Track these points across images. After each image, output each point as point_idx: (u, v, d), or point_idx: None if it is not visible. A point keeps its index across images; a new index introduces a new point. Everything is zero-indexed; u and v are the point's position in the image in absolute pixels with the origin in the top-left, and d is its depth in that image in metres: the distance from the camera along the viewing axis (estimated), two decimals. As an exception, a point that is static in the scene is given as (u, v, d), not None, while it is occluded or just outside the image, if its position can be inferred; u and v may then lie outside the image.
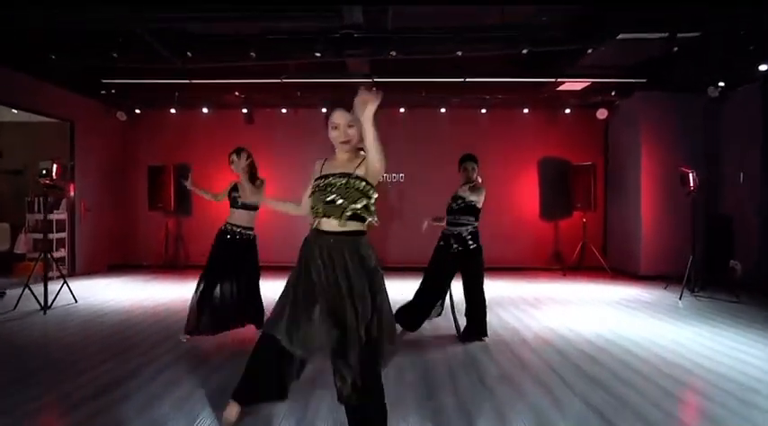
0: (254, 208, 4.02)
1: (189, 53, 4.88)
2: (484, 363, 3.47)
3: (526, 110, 8.24)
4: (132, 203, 8.62)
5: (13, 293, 5.57)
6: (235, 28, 4.80)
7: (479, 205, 4.03)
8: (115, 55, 4.95)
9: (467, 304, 4.05)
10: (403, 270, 6.62)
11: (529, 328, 4.50)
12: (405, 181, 8.51)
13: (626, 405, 2.73)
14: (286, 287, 2.30)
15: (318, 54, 4.84)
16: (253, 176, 3.97)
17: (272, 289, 3.45)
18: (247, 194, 3.36)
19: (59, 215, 7.36)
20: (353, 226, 2.19)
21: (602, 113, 7.99)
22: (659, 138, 7.37)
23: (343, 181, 2.16)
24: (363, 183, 2.16)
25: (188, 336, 3.91)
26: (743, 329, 4.37)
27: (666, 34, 4.63)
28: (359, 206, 2.16)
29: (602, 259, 8.01)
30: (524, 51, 4.80)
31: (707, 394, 2.91)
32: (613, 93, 7.60)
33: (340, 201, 2.15)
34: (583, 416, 2.59)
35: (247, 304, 3.95)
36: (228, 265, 3.90)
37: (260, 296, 4.04)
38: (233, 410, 2.38)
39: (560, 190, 8.38)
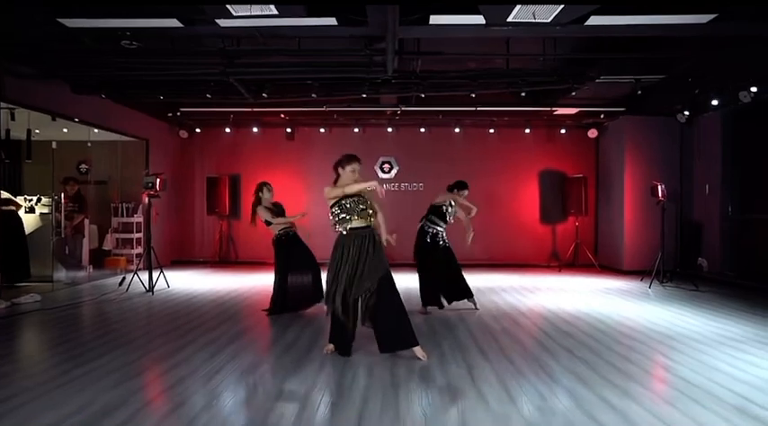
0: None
1: (265, 94, 6.35)
2: (491, 322, 4.85)
3: (528, 130, 9.63)
4: (191, 208, 10.12)
5: (110, 281, 7.03)
6: (301, 76, 6.26)
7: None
8: (209, 95, 6.45)
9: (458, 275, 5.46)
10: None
11: (525, 305, 5.88)
12: (424, 189, 9.93)
13: (599, 356, 4.10)
14: (332, 268, 3.71)
15: (364, 95, 6.30)
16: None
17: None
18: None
19: (137, 218, 8.86)
20: (369, 222, 3.75)
21: (592, 133, 9.37)
22: (640, 155, 8.74)
23: (364, 199, 3.72)
24: (367, 202, 3.76)
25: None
26: (694, 308, 5.71)
27: (633, 79, 6.01)
28: (370, 212, 3.75)
29: (593, 257, 9.36)
30: (523, 94, 6.22)
31: (663, 351, 4.27)
32: (602, 116, 8.98)
33: (367, 210, 3.71)
34: (566, 359, 3.96)
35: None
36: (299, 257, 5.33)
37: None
38: (330, 346, 3.83)
39: (557, 198, 9.76)
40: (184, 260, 9.95)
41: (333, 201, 3.70)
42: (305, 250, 5.35)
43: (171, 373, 3.45)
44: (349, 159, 3.75)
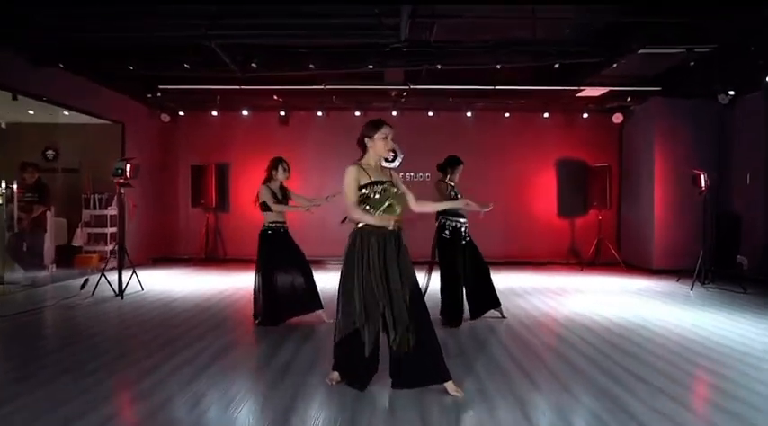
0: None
1: (254, 65, 5.41)
2: (528, 336, 4.01)
3: (546, 115, 8.76)
4: (174, 200, 9.16)
5: (76, 282, 6.10)
6: (296, 41, 5.33)
7: None
8: (187, 66, 5.49)
9: (486, 281, 4.57)
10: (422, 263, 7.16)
11: (559, 311, 5.04)
12: (431, 180, 9.04)
13: (653, 369, 3.27)
14: (349, 282, 2.82)
15: (371, 66, 5.38)
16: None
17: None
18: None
19: (111, 211, 7.90)
20: (399, 221, 2.88)
21: (617, 118, 8.52)
22: (672, 142, 7.90)
23: (394, 190, 2.86)
24: (398, 190, 2.89)
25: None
26: (748, 314, 4.90)
27: (684, 49, 5.14)
28: (401, 205, 2.89)
29: (617, 254, 8.54)
30: (556, 66, 5.33)
31: (718, 366, 3.44)
32: (629, 99, 8.12)
33: (395, 204, 2.84)
34: (641, 391, 3.12)
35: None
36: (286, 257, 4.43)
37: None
38: (334, 375, 2.95)
39: (577, 189, 8.92)
40: (167, 257, 9.01)
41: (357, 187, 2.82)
42: (294, 249, 4.47)
43: (138, 404, 2.66)
44: (376, 125, 2.85)
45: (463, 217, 4.51)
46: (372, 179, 2.81)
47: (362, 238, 2.80)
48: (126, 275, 5.87)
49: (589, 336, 4.10)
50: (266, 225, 4.44)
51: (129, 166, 5.61)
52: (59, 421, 2.42)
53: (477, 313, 4.55)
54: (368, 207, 2.81)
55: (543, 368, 3.31)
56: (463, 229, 4.49)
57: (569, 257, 9.01)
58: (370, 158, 2.89)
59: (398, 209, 2.86)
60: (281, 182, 4.51)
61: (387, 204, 2.80)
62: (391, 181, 2.88)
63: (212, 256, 8.92)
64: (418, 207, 3.03)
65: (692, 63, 5.44)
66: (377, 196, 2.79)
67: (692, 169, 6.88)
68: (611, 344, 3.87)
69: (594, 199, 8.58)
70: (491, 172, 8.74)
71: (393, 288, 2.75)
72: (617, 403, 2.69)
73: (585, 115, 8.75)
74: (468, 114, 8.68)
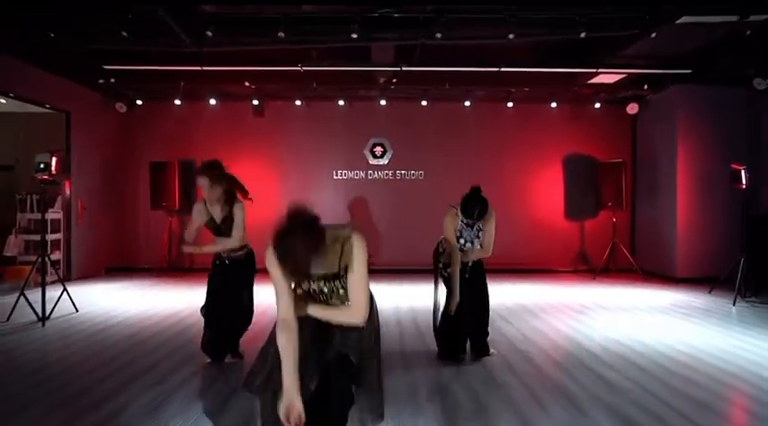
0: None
1: (208, 33, 4.34)
2: (562, 377, 3.03)
3: (554, 105, 7.85)
4: (132, 202, 8.03)
5: (5, 301, 4.99)
6: (258, 6, 4.29)
7: None
8: (125, 34, 4.38)
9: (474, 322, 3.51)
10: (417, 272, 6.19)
11: (586, 336, 4.08)
12: (424, 179, 8.06)
13: (704, 410, 2.32)
14: None
15: (355, 35, 4.35)
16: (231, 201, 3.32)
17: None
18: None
19: (54, 214, 6.76)
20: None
21: (632, 108, 7.63)
22: (697, 133, 7.01)
23: (329, 288, 1.81)
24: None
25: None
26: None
27: (736, 17, 4.23)
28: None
29: (633, 260, 7.64)
30: (582, 35, 4.37)
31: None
32: (645, 87, 7.24)
33: (337, 302, 1.83)
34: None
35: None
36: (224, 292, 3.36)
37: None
38: None
39: (587, 188, 8.01)
40: (124, 267, 7.87)
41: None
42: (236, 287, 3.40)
43: None
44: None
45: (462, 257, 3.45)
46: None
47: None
48: (56, 293, 4.78)
49: (641, 377, 3.12)
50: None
51: (54, 159, 4.51)
52: None
53: (478, 352, 3.54)
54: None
55: (582, 417, 2.34)
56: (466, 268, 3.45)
57: (578, 264, 8.10)
58: None
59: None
60: (216, 200, 3.28)
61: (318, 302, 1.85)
62: (334, 274, 1.78)
63: (176, 266, 7.81)
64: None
65: (749, 32, 4.51)
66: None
67: (720, 164, 6.00)
68: (672, 389, 2.91)
69: (607, 200, 7.67)
70: (491, 168, 7.79)
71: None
72: None
73: (597, 105, 7.85)
74: (467, 104, 7.71)
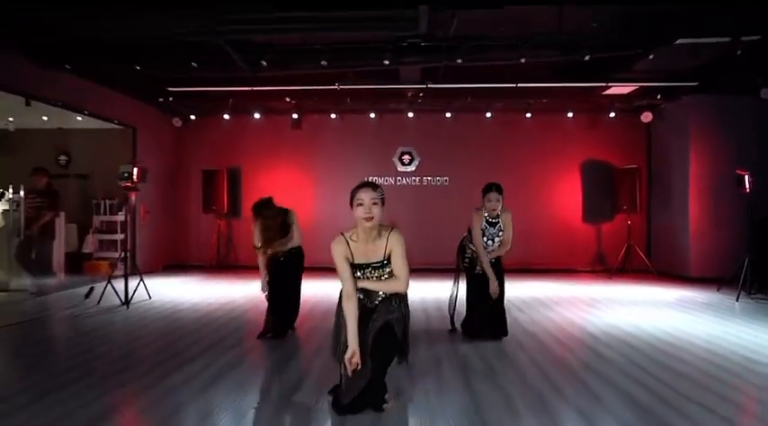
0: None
1: (263, 62, 5.16)
2: (563, 352, 3.61)
3: (570, 114, 8.35)
4: (186, 206, 8.98)
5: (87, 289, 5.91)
6: (306, 38, 5.06)
7: None
8: (195, 64, 5.27)
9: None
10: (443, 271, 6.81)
11: (594, 325, 4.62)
12: (449, 184, 8.70)
13: (714, 393, 2.85)
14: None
15: (387, 62, 5.07)
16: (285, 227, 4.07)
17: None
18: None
19: (122, 217, 7.73)
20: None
21: (646, 117, 8.05)
22: (708, 141, 7.40)
23: (379, 272, 2.56)
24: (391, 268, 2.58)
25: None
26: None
27: (728, 38, 4.71)
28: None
29: (648, 261, 8.03)
30: (586, 58, 4.95)
31: (794, 388, 3.00)
32: (659, 97, 7.66)
33: (385, 278, 2.59)
34: (668, 401, 2.71)
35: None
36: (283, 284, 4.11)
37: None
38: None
39: (603, 193, 8.46)
40: (178, 264, 8.81)
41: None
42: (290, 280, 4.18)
43: (141, 423, 2.31)
44: (354, 190, 2.53)
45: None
46: (354, 261, 2.54)
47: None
48: (134, 283, 5.66)
49: (632, 353, 3.68)
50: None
51: (136, 170, 5.39)
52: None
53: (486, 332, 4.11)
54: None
55: (585, 390, 2.92)
56: (477, 267, 4.04)
57: (595, 265, 8.53)
58: (358, 228, 2.54)
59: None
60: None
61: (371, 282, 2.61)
62: (382, 262, 2.55)
63: (224, 263, 8.69)
64: (392, 282, 2.62)
65: (740, 52, 4.97)
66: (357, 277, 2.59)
67: (729, 170, 6.39)
68: (657, 363, 3.45)
69: (623, 204, 8.11)
70: (512, 175, 8.32)
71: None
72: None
73: (612, 114, 8.31)
74: (488, 115, 8.32)
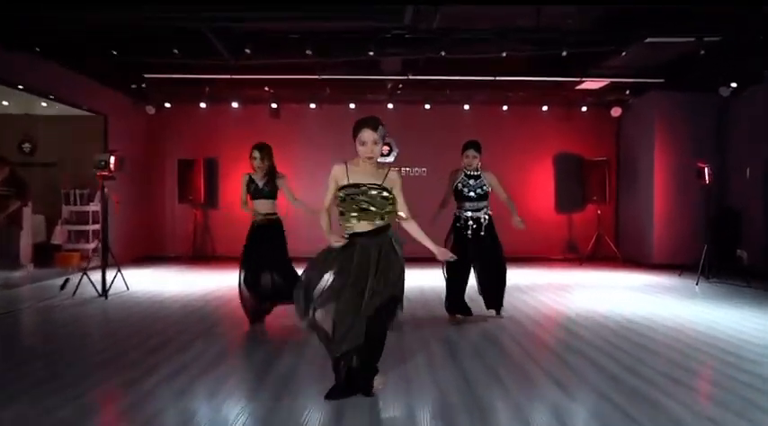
0: (273, 196, 4.21)
1: (247, 50, 5.10)
2: (543, 334, 3.82)
3: (545, 108, 8.61)
4: (161, 196, 8.77)
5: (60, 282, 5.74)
6: (291, 26, 5.03)
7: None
8: (176, 51, 5.14)
9: (490, 279, 4.33)
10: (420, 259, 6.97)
11: (569, 308, 4.87)
12: (427, 175, 8.83)
13: (683, 368, 3.10)
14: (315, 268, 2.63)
15: (372, 53, 5.11)
16: (273, 174, 4.20)
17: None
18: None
19: (94, 207, 7.51)
20: (381, 224, 2.62)
21: (615, 111, 8.41)
22: (671, 135, 7.81)
23: (374, 193, 2.58)
24: (389, 194, 2.61)
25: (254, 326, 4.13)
26: (756, 308, 4.83)
27: (693, 38, 5.01)
28: (386, 210, 2.61)
29: (616, 249, 8.44)
30: (564, 53, 5.15)
31: (743, 361, 3.29)
32: (627, 92, 8.02)
33: (373, 209, 2.57)
34: (643, 376, 2.94)
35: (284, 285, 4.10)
36: (259, 251, 4.11)
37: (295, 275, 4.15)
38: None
39: (574, 184, 8.80)
40: (152, 255, 8.62)
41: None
42: (274, 247, 4.18)
43: (125, 421, 2.37)
44: (357, 126, 2.59)
45: (472, 209, 4.28)
46: (350, 181, 2.59)
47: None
48: (110, 274, 5.53)
49: (606, 333, 3.92)
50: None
51: (113, 158, 5.26)
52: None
53: (490, 304, 4.39)
54: (342, 210, 2.62)
55: (566, 368, 3.12)
56: (470, 222, 4.27)
57: (567, 252, 8.90)
58: (359, 159, 2.63)
59: (376, 215, 2.58)
60: (266, 171, 4.17)
61: (360, 208, 2.56)
62: (379, 185, 2.58)
63: (200, 254, 8.57)
64: (405, 224, 2.77)
65: (703, 52, 5.29)
66: (349, 199, 2.58)
67: (691, 162, 6.79)
68: (628, 340, 3.70)
69: (593, 194, 8.47)
70: (488, 166, 8.52)
71: (357, 296, 2.51)
72: (658, 409, 2.50)
73: (584, 109, 8.63)
74: (466, 107, 8.48)
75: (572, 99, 8.37)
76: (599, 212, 8.49)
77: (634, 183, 8.44)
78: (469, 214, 4.29)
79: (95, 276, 5.37)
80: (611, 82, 7.33)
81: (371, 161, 2.58)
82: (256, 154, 4.19)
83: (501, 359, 3.29)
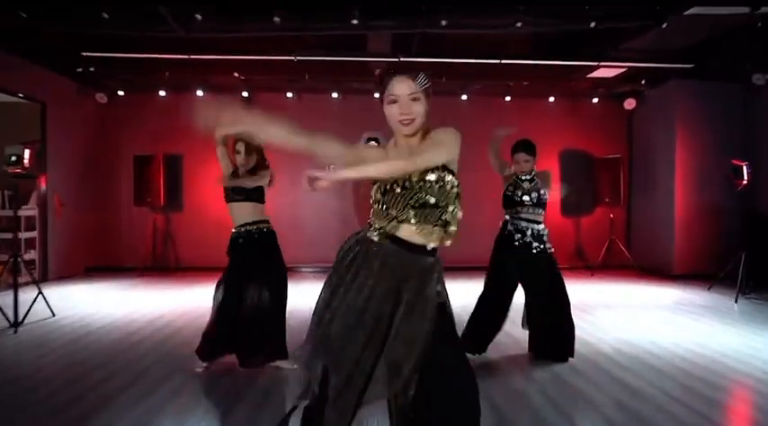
0: (260, 198, 3.24)
1: (197, 16, 4.05)
2: (582, 385, 2.88)
3: (551, 100, 7.72)
4: (114, 197, 7.62)
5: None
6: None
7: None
8: (105, 15, 4.05)
9: (545, 314, 3.42)
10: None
11: (602, 340, 3.94)
12: (420, 174, 7.87)
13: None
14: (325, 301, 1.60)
15: (356, 22, 4.11)
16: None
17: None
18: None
19: (29, 211, 6.37)
20: (436, 239, 1.59)
21: (629, 103, 7.56)
22: (695, 129, 6.96)
23: (432, 178, 1.57)
24: (452, 176, 1.61)
25: (204, 364, 3.13)
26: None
27: (747, 9, 4.12)
28: (451, 209, 1.59)
29: (630, 257, 7.59)
30: (592, 25, 4.22)
31: None
32: (643, 82, 7.16)
33: (433, 201, 1.56)
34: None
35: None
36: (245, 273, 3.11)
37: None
38: None
39: (583, 184, 7.92)
40: (105, 266, 7.48)
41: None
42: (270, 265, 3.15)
43: None
44: (389, 73, 1.61)
45: (523, 216, 3.35)
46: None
47: (363, 245, 1.60)
48: (30, 296, 4.45)
49: (665, 383, 2.99)
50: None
51: (28, 152, 4.17)
52: None
53: (532, 349, 3.45)
54: (382, 206, 1.60)
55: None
56: (527, 234, 3.34)
57: (575, 260, 8.01)
58: (396, 135, 1.68)
59: (436, 216, 1.58)
60: (250, 169, 3.28)
61: (419, 204, 1.55)
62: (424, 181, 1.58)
63: (161, 265, 7.46)
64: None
65: (760, 24, 4.42)
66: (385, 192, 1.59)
67: (715, 160, 5.95)
68: (697, 395, 2.77)
69: (606, 196, 7.60)
70: (486, 163, 7.57)
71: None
72: None
73: (594, 100, 7.76)
74: (464, 97, 7.54)
75: (580, 90, 7.49)
76: (611, 216, 7.62)
77: (651, 183, 7.58)
78: (524, 224, 3.35)
79: (8, 299, 4.27)
80: (629, 68, 6.45)
81: (410, 128, 1.61)
82: (240, 147, 3.21)
83: (503, 389, 2.33)
